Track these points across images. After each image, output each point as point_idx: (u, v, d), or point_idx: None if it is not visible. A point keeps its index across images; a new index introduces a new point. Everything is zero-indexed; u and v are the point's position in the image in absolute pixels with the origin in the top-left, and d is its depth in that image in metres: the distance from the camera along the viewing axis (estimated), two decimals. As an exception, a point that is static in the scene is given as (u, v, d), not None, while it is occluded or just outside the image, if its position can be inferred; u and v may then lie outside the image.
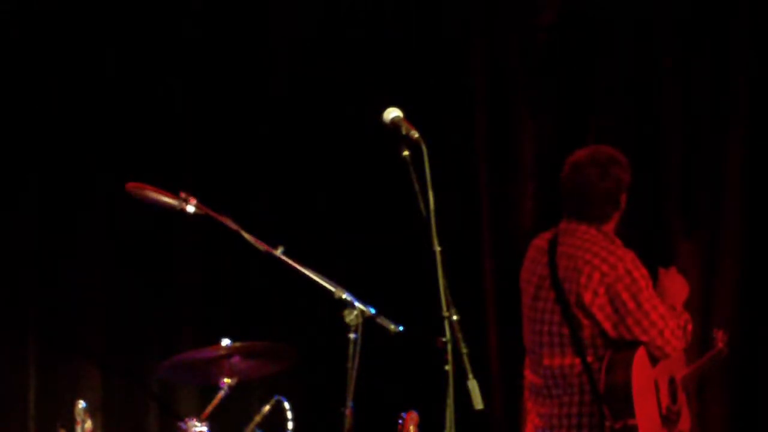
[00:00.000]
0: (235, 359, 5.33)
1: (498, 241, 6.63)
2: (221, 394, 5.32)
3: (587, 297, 4.73)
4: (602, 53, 6.55)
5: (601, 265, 4.74)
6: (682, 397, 5.04)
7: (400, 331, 4.18)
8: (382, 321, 4.19)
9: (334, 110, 6.67)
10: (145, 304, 6.45)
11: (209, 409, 5.30)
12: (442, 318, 3.84)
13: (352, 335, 4.11)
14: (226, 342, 5.29)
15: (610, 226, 4.89)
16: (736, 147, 6.29)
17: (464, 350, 3.81)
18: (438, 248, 3.88)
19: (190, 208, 4.49)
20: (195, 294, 6.58)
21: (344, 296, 4.18)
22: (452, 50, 6.76)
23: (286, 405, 5.38)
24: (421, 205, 3.90)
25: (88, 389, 6.25)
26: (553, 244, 4.89)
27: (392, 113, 4.05)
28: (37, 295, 6.29)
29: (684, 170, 6.38)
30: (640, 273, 4.75)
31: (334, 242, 6.51)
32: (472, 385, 3.79)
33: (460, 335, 3.82)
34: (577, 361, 4.76)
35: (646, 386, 4.77)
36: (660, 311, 4.75)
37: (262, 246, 4.34)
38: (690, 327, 4.88)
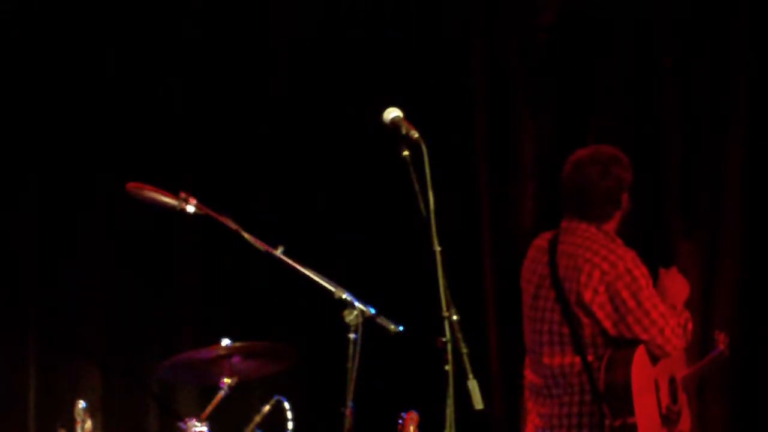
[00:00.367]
0: (235, 359, 5.33)
1: (498, 241, 6.63)
2: (221, 394, 5.32)
3: (587, 295, 4.74)
4: (602, 53, 6.54)
5: (602, 263, 4.74)
6: (682, 397, 5.04)
7: (400, 331, 4.18)
8: (382, 321, 4.19)
9: (334, 110, 6.67)
10: (145, 304, 6.45)
11: (209, 409, 5.30)
12: (442, 318, 3.84)
13: (352, 335, 4.11)
14: (226, 342, 5.29)
15: (610, 225, 4.90)
16: (736, 147, 6.29)
17: (464, 350, 3.81)
18: (438, 248, 3.88)
19: (190, 208, 4.49)
20: (195, 294, 6.58)
21: (344, 296, 4.18)
22: (452, 50, 6.76)
23: (286, 405, 5.38)
24: (421, 205, 3.90)
25: (88, 389, 6.26)
26: (553, 244, 4.90)
27: (392, 113, 4.05)
28: (37, 295, 6.29)
29: (684, 170, 6.38)
30: (641, 272, 4.76)
31: (334, 242, 6.51)
32: (472, 385, 3.79)
33: (460, 335, 3.82)
34: (577, 360, 4.76)
35: (646, 385, 4.77)
36: (660, 310, 4.75)
37: (262, 246, 4.35)
38: (690, 326, 4.89)
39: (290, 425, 5.39)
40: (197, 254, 6.55)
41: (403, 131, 4.01)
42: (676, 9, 6.42)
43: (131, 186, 4.58)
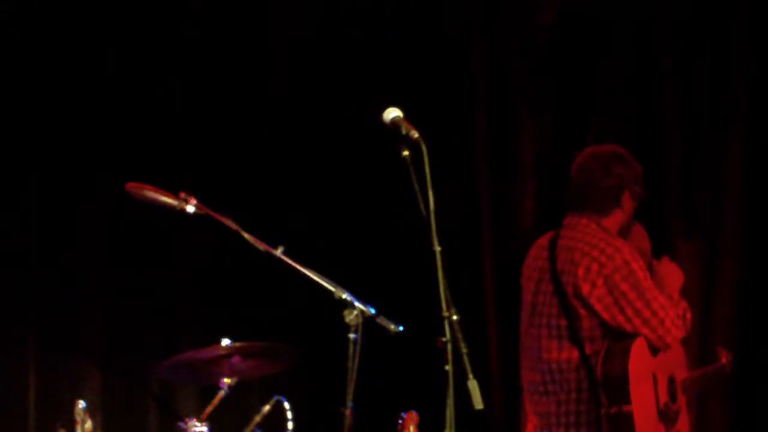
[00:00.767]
0: (235, 359, 5.33)
1: (498, 241, 6.63)
2: (221, 394, 5.32)
3: (585, 288, 4.76)
4: (602, 53, 6.54)
5: (600, 256, 4.78)
6: (682, 399, 5.04)
7: (400, 331, 4.19)
8: (382, 321, 4.20)
9: (334, 110, 6.67)
10: (145, 304, 6.44)
11: (209, 409, 5.30)
12: (442, 318, 3.84)
13: (352, 335, 4.12)
14: (226, 342, 5.29)
15: (609, 222, 4.93)
16: (736, 147, 6.29)
17: (464, 350, 3.81)
18: (438, 248, 3.89)
19: (190, 208, 4.49)
20: (195, 294, 6.58)
21: (344, 296, 4.19)
22: (452, 50, 6.76)
23: (286, 405, 5.38)
24: (421, 205, 3.90)
25: (88, 389, 6.25)
26: (554, 239, 4.94)
27: (392, 113, 4.06)
28: (37, 295, 6.29)
29: (684, 170, 6.38)
30: (638, 264, 4.79)
31: (334, 242, 6.51)
32: (472, 385, 3.80)
33: (460, 335, 3.83)
34: (575, 354, 4.78)
35: (644, 376, 4.78)
36: (660, 301, 4.79)
37: (262, 246, 4.35)
38: (689, 315, 4.92)
39: (290, 425, 5.39)
40: (197, 254, 6.55)
41: (403, 131, 4.02)
42: (676, 9, 6.42)
43: (131, 186, 4.58)
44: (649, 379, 4.83)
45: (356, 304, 4.16)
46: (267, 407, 5.39)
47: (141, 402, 6.45)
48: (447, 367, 3.80)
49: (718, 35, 6.34)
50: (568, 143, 6.46)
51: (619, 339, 4.78)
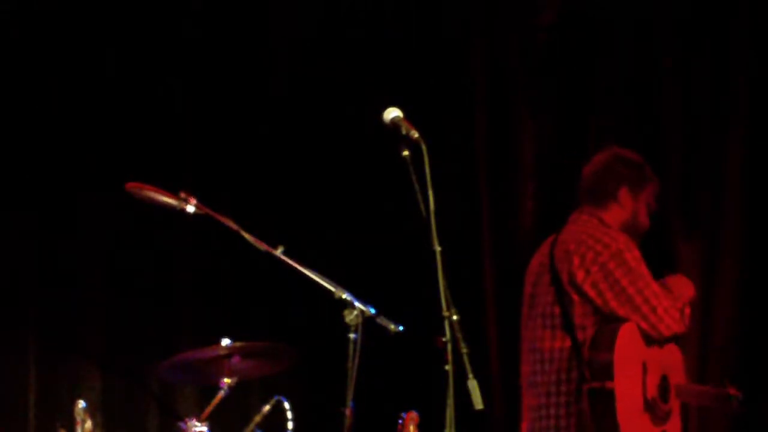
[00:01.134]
0: (235, 359, 5.33)
1: (498, 241, 6.63)
2: (221, 394, 5.32)
3: (579, 275, 4.82)
4: (602, 53, 6.54)
5: (595, 245, 4.84)
6: (675, 402, 5.02)
7: (400, 331, 4.19)
8: (382, 321, 4.20)
9: (334, 110, 6.67)
10: (145, 304, 6.44)
11: (209, 409, 5.30)
12: (442, 318, 3.84)
13: (352, 335, 4.12)
14: (226, 342, 5.29)
15: (608, 216, 5.01)
16: (736, 147, 6.29)
17: (464, 350, 3.81)
18: (438, 248, 3.89)
19: (190, 208, 4.50)
20: (195, 294, 6.58)
21: (344, 296, 4.19)
22: (452, 50, 6.76)
23: (286, 405, 5.38)
24: (421, 205, 3.90)
25: (88, 389, 6.25)
26: (556, 236, 4.99)
27: (392, 113, 4.06)
28: (37, 295, 6.28)
29: (684, 170, 6.38)
30: (632, 255, 4.85)
31: (334, 242, 6.51)
32: (472, 385, 3.80)
33: (460, 335, 3.83)
34: (567, 343, 4.80)
35: (633, 359, 4.79)
36: (653, 289, 4.83)
37: (262, 246, 4.35)
38: (688, 311, 4.96)
39: (290, 425, 5.38)
40: (197, 254, 6.55)
41: (403, 131, 4.02)
42: (676, 9, 6.42)
43: (131, 186, 4.58)
44: (638, 365, 4.83)
45: (356, 304, 4.16)
46: (267, 407, 5.39)
47: (141, 402, 6.44)
48: (447, 367, 3.81)
49: (718, 35, 6.34)
50: (568, 143, 6.48)
51: (609, 322, 4.81)
